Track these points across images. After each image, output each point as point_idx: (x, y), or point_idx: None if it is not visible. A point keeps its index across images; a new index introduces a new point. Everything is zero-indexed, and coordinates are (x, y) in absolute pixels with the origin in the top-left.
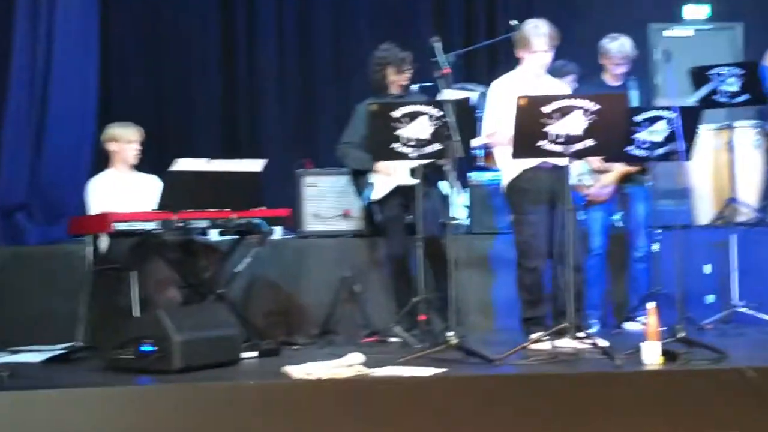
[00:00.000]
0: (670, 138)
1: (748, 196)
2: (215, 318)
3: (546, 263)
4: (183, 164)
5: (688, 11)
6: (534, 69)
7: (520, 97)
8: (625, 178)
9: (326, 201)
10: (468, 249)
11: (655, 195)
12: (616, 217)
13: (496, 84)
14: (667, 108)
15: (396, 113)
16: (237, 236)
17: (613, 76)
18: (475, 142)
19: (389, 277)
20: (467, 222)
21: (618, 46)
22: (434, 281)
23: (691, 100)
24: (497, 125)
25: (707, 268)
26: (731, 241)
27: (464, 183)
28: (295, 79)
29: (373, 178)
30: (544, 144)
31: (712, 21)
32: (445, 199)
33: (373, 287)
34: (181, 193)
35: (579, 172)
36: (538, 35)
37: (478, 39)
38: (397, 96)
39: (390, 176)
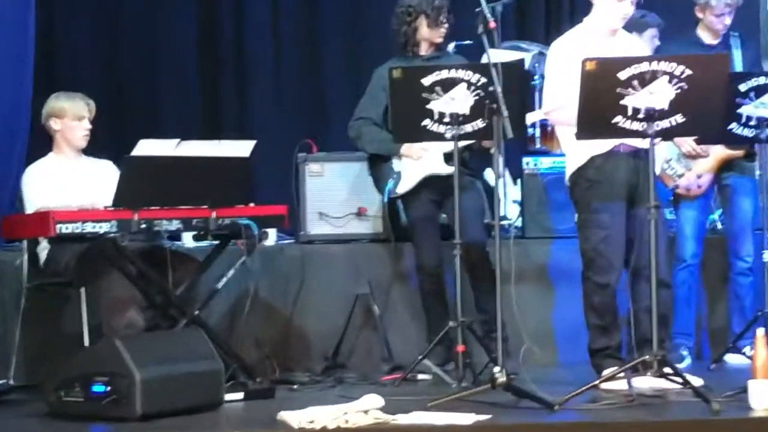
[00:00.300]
0: None
1: None
2: (189, 348)
3: (621, 277)
4: (147, 147)
5: None
6: (609, 22)
7: (586, 60)
8: (727, 166)
9: (335, 195)
10: (521, 258)
11: (766, 188)
12: (715, 216)
13: (557, 43)
14: None
15: (426, 80)
16: (218, 242)
17: (711, 31)
18: (530, 119)
19: (418, 295)
20: (519, 223)
21: None
22: (476, 301)
23: None
24: (560, 98)
25: None
26: None
27: (516, 172)
28: (294, 34)
29: (397, 165)
30: (620, 121)
31: None
32: (490, 194)
33: (397, 308)
34: (144, 185)
35: (666, 157)
36: None
37: None
38: (428, 58)
39: (419, 163)
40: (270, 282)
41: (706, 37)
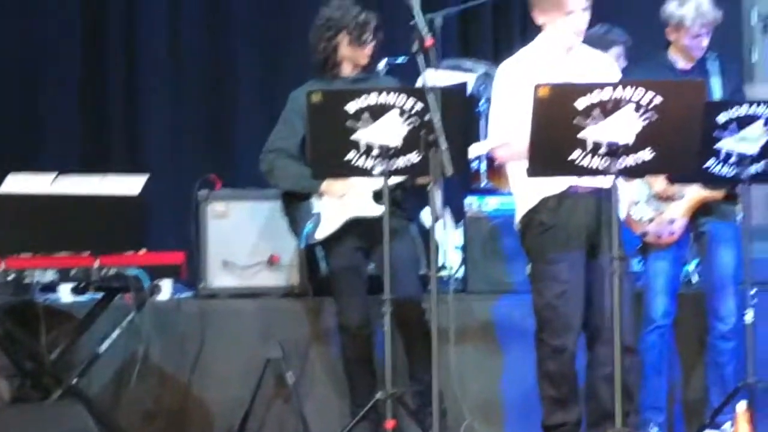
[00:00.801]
0: None
1: None
2: (64, 424)
3: (578, 340)
4: (17, 183)
5: None
6: (565, 38)
7: (539, 86)
8: (704, 210)
9: (243, 241)
10: (463, 316)
11: (749, 235)
12: (690, 268)
13: (505, 66)
14: (766, 103)
15: (351, 106)
16: (101, 296)
17: (686, 54)
18: (474, 152)
19: (340, 359)
20: (461, 274)
21: (694, 9)
22: (409, 367)
23: None
24: (507, 131)
25: None
26: None
27: (458, 214)
28: (196, 50)
29: (316, 205)
30: (578, 157)
31: None
32: (427, 239)
33: (315, 376)
34: (12, 228)
35: (633, 199)
36: None
37: None
38: (353, 79)
39: (342, 203)
40: (163, 343)
41: (680, 61)
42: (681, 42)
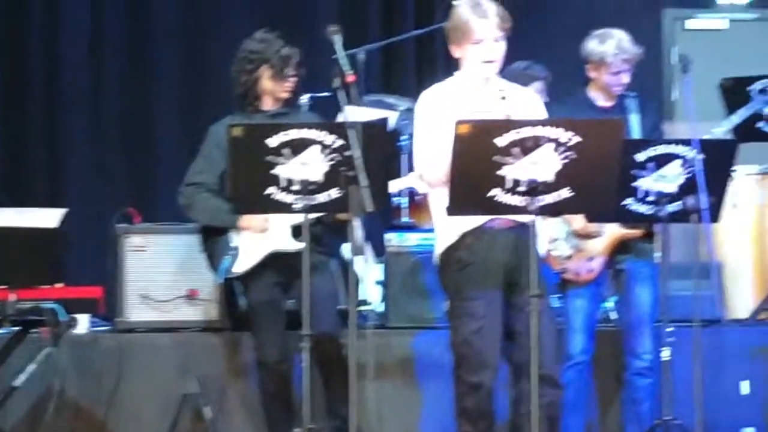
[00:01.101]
0: (689, 187)
1: None
2: None
3: (496, 376)
4: None
5: None
6: (478, 68)
7: (459, 123)
8: (622, 248)
9: (161, 275)
10: (382, 351)
11: (666, 274)
12: (608, 305)
13: (427, 94)
14: (685, 142)
15: (273, 140)
16: (17, 329)
17: (606, 91)
18: (395, 187)
19: (258, 395)
20: (381, 310)
21: (615, 45)
22: (328, 403)
23: (722, 129)
24: (434, 153)
25: (744, 387)
26: None
27: (378, 249)
28: (118, 84)
29: (235, 239)
30: (497, 194)
31: (756, 7)
32: (346, 275)
33: (233, 411)
34: None
35: (552, 236)
36: (481, 16)
37: (404, 28)
38: (274, 114)
39: (261, 238)
40: (80, 378)
41: (599, 98)
42: (601, 79)
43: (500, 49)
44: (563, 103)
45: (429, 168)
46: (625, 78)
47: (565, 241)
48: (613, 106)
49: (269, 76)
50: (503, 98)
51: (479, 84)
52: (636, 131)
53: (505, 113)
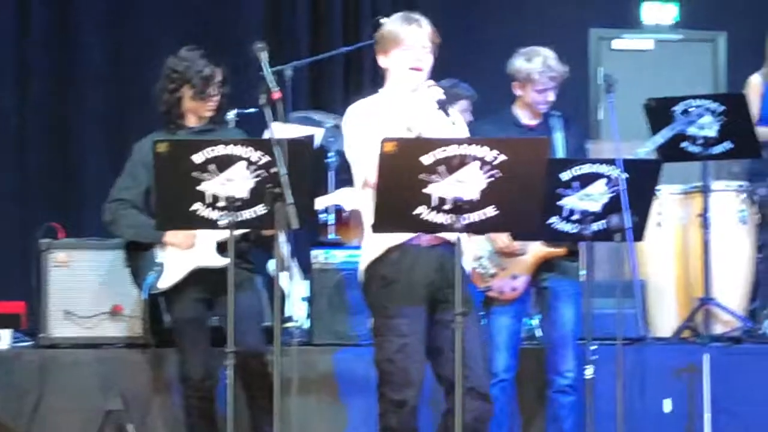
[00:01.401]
0: (613, 206)
1: (730, 294)
2: None
3: (420, 394)
4: None
5: (648, 12)
6: (405, 75)
7: (385, 141)
8: (546, 266)
9: (85, 290)
10: (307, 368)
11: (590, 292)
12: (533, 322)
13: (356, 107)
14: (609, 161)
15: (198, 157)
16: None
17: (531, 110)
18: (322, 204)
19: (182, 411)
20: (307, 326)
21: (541, 63)
22: (252, 420)
23: (646, 149)
24: (369, 170)
25: (667, 405)
26: (704, 364)
27: (304, 266)
28: (44, 99)
29: (160, 255)
30: (423, 212)
31: (681, 28)
32: (271, 292)
33: (157, 428)
34: None
35: (477, 255)
36: (411, 24)
37: (332, 44)
38: (199, 130)
39: (186, 254)
40: (2, 394)
41: (525, 117)
42: (528, 97)
43: (428, 59)
44: (488, 122)
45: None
46: (551, 96)
47: (489, 259)
48: (538, 125)
49: (191, 95)
50: (439, 108)
51: (407, 94)
52: (560, 150)
53: (414, 132)
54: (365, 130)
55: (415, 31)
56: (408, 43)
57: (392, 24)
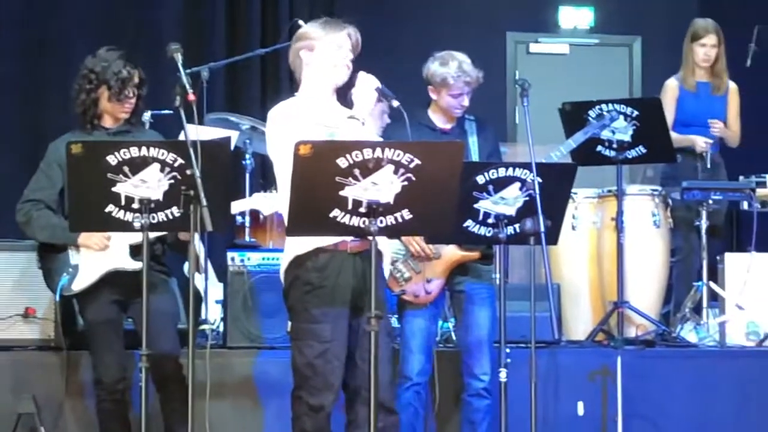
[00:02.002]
0: (527, 210)
1: (644, 298)
2: None
3: (337, 400)
4: None
5: (565, 17)
6: (324, 90)
7: (300, 144)
8: (461, 270)
9: None
10: (221, 371)
11: (504, 295)
12: (448, 324)
13: (280, 107)
14: (524, 165)
15: (113, 158)
16: None
17: (446, 114)
18: (238, 207)
19: (95, 414)
20: (221, 329)
21: (456, 68)
22: (166, 423)
23: (559, 153)
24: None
25: (580, 408)
26: (617, 367)
27: (220, 269)
28: None
29: (74, 257)
30: (338, 215)
31: (597, 32)
32: (186, 294)
33: (69, 431)
34: None
35: (392, 258)
36: (331, 27)
37: (249, 46)
38: (115, 131)
39: (101, 255)
40: None
41: (439, 121)
42: (443, 101)
43: (346, 72)
44: (403, 125)
45: None
46: (465, 101)
47: (403, 263)
48: (453, 129)
49: (107, 97)
50: (350, 117)
51: (328, 97)
52: (475, 154)
53: (329, 133)
54: (289, 130)
55: (333, 33)
56: (326, 40)
57: (312, 24)
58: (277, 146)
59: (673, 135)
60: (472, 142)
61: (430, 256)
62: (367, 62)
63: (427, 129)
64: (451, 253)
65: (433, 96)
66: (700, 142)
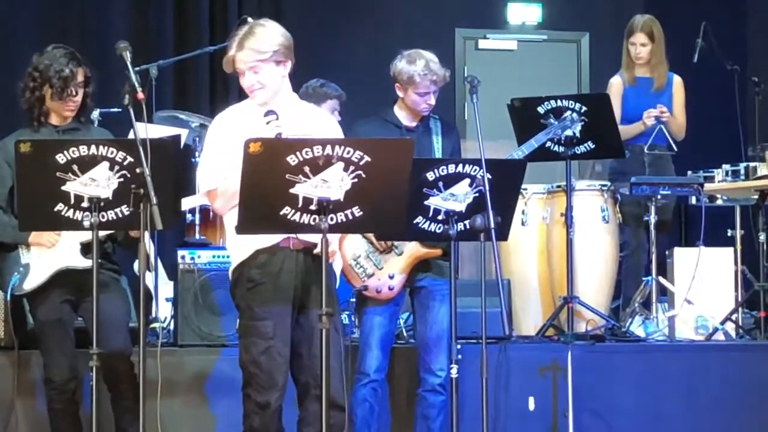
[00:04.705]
0: (477, 206)
1: (593, 293)
2: None
3: (284, 396)
4: None
5: (513, 13)
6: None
7: (250, 141)
8: (422, 266)
9: None
10: (172, 370)
11: (455, 291)
12: (405, 317)
13: (220, 116)
14: (473, 162)
15: (62, 157)
16: None
17: (412, 111)
18: (188, 204)
19: (46, 413)
20: (172, 327)
21: (423, 66)
22: (116, 421)
23: (520, 153)
24: (224, 176)
25: (531, 403)
26: (567, 362)
27: (170, 267)
28: None
29: (25, 256)
30: (289, 213)
31: (545, 29)
32: (136, 292)
33: (20, 430)
34: None
35: (355, 254)
36: (237, 46)
37: (199, 43)
38: (64, 129)
39: (51, 254)
40: None
41: (405, 118)
42: (409, 99)
43: (256, 78)
44: (368, 123)
45: (218, 190)
46: (432, 99)
47: (366, 258)
48: (417, 127)
49: (50, 95)
50: (267, 123)
51: (257, 109)
52: (438, 153)
53: (275, 132)
54: (216, 140)
55: (241, 54)
56: (239, 67)
57: (234, 36)
58: (203, 153)
59: (623, 128)
60: (436, 140)
61: (392, 250)
62: (318, 58)
63: (392, 126)
64: (414, 249)
65: (400, 93)
66: (646, 117)
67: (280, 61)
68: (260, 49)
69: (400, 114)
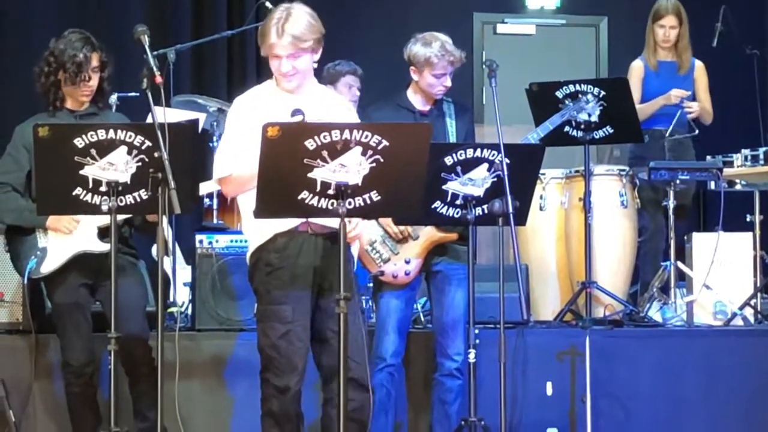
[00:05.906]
0: (495, 191)
1: (612, 278)
2: None
3: (303, 380)
4: None
5: None
6: (279, 81)
7: (268, 125)
8: (438, 250)
9: None
10: (190, 353)
11: (474, 276)
12: (422, 302)
13: (239, 100)
14: (491, 146)
15: (80, 141)
16: None
17: (426, 95)
18: (206, 189)
19: (64, 397)
20: (190, 312)
21: (439, 47)
22: (134, 405)
23: (536, 135)
24: (238, 163)
25: (548, 388)
26: (585, 347)
27: (188, 251)
28: None
29: (42, 240)
30: (307, 197)
31: (564, 13)
32: (154, 277)
33: (38, 415)
34: None
35: (371, 239)
36: (277, 33)
37: (216, 28)
38: (82, 114)
39: (69, 238)
40: None
41: (418, 102)
42: (424, 81)
43: (292, 64)
44: (381, 107)
45: (231, 179)
46: (448, 81)
47: (381, 243)
48: (431, 110)
49: (65, 80)
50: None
51: (281, 94)
52: (452, 136)
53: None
54: (233, 131)
55: (277, 41)
56: (273, 52)
57: (267, 22)
58: (221, 139)
59: (642, 106)
60: (450, 123)
61: (408, 237)
62: (334, 41)
63: (405, 111)
64: (430, 233)
65: (415, 77)
66: (674, 95)
67: (314, 49)
68: (303, 37)
69: (414, 98)
